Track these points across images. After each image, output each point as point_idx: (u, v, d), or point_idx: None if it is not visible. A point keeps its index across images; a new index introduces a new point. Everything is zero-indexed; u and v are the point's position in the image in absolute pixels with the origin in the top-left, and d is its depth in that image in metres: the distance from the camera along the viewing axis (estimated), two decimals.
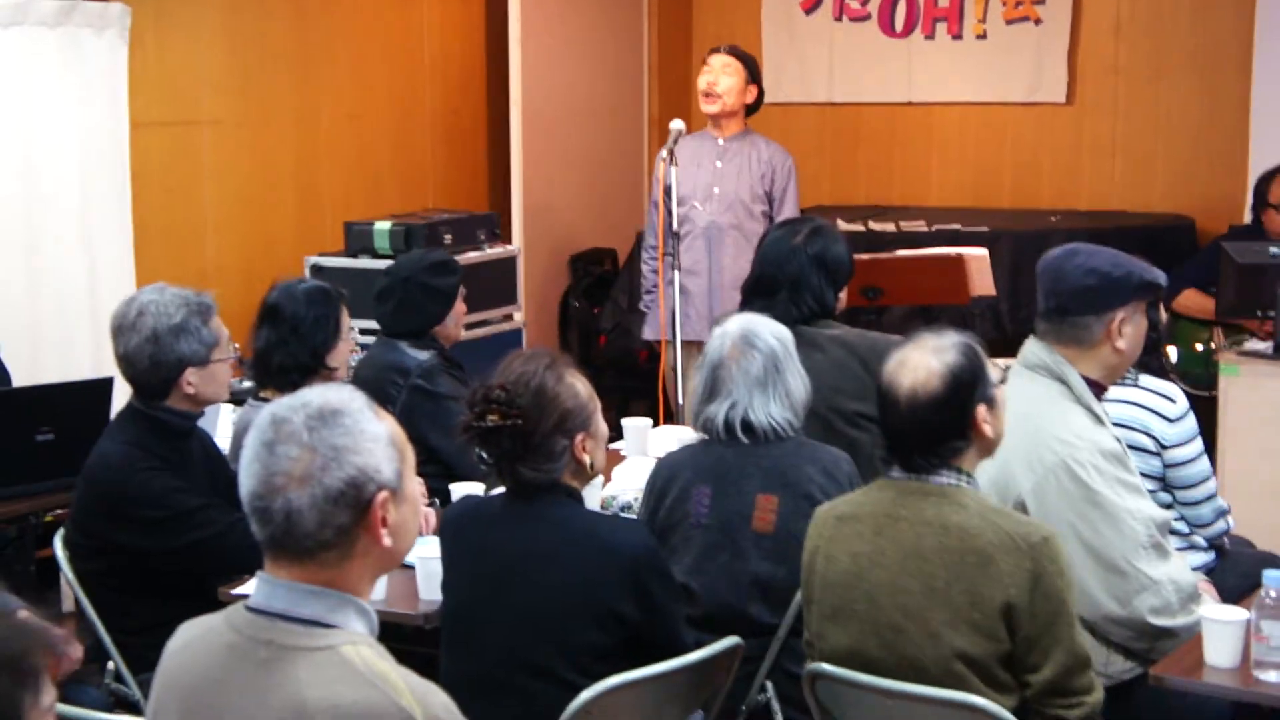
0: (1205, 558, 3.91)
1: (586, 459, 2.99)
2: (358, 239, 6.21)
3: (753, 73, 5.86)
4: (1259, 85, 6.78)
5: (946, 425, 2.81)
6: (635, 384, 6.70)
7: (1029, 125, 7.41)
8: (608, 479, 3.94)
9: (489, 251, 6.48)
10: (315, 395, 2.04)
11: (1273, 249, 5.55)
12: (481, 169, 7.44)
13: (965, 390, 2.81)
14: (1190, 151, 7.06)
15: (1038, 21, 7.30)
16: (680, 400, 5.33)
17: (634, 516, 3.68)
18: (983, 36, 7.43)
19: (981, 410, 2.83)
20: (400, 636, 3.09)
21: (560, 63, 7.22)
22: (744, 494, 3.31)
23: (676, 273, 5.27)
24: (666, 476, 3.46)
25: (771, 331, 3.44)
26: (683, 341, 5.40)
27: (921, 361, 2.81)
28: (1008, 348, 5.86)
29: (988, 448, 2.90)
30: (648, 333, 6.06)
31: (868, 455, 3.86)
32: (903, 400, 2.81)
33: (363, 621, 2.04)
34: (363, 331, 4.75)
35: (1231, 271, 5.55)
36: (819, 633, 2.95)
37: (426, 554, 3.24)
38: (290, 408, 2.02)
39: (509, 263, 6.59)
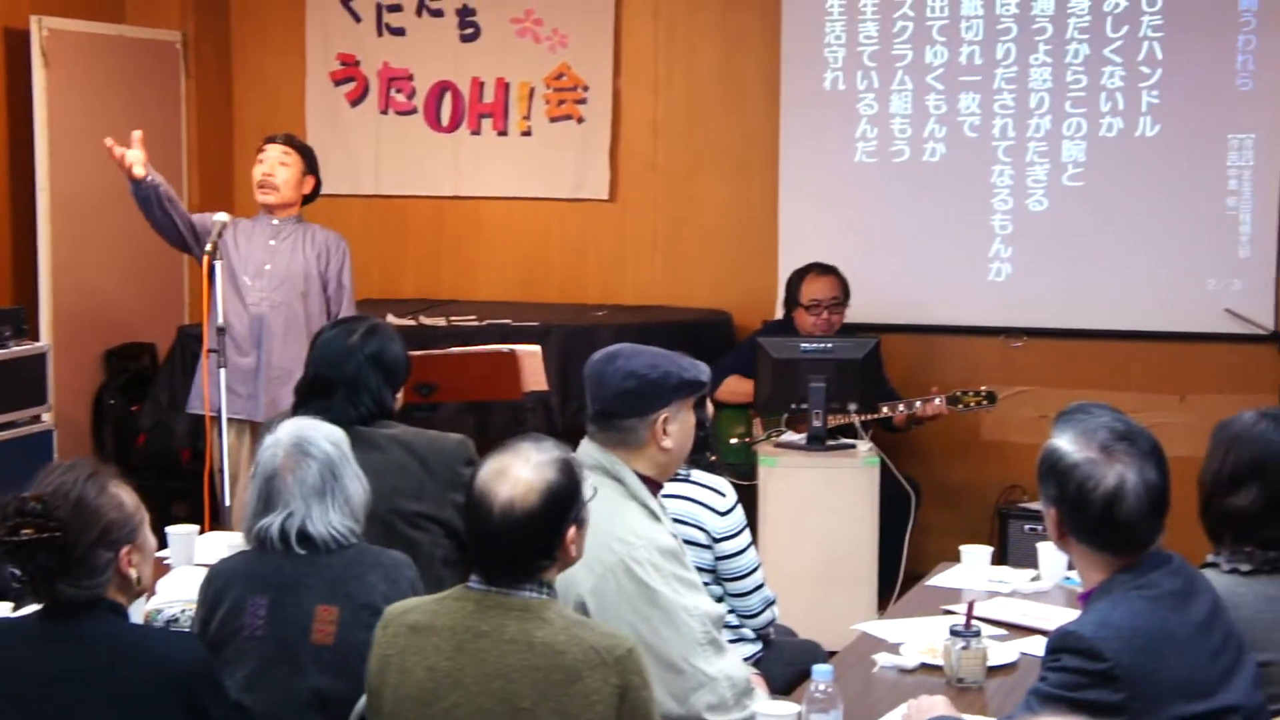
0: (753, 648, 4.04)
1: (133, 573, 2.86)
2: None
3: (310, 163, 5.78)
4: (785, 185, 7.16)
5: (537, 543, 2.76)
6: (178, 485, 6.42)
7: (575, 221, 7.57)
8: (152, 592, 3.73)
9: (15, 349, 6.08)
10: None
11: (804, 344, 5.84)
12: (4, 260, 6.99)
13: (561, 510, 2.77)
14: (726, 248, 7.37)
15: (580, 121, 7.50)
16: (227, 501, 5.14)
17: (182, 630, 3.51)
18: (528, 134, 7.57)
19: (572, 531, 2.80)
20: None
21: (92, 150, 6.86)
22: (302, 605, 3.18)
23: (223, 371, 5.09)
24: (220, 585, 3.30)
25: (326, 436, 3.33)
26: (231, 419, 5.29)
27: (521, 475, 2.74)
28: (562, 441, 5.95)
29: (568, 564, 2.88)
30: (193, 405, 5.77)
31: (428, 556, 3.81)
32: (497, 511, 2.73)
33: None
34: None
35: (768, 366, 5.81)
36: None
37: None
38: None
39: (38, 360, 6.20)
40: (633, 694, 2.71)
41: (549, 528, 2.76)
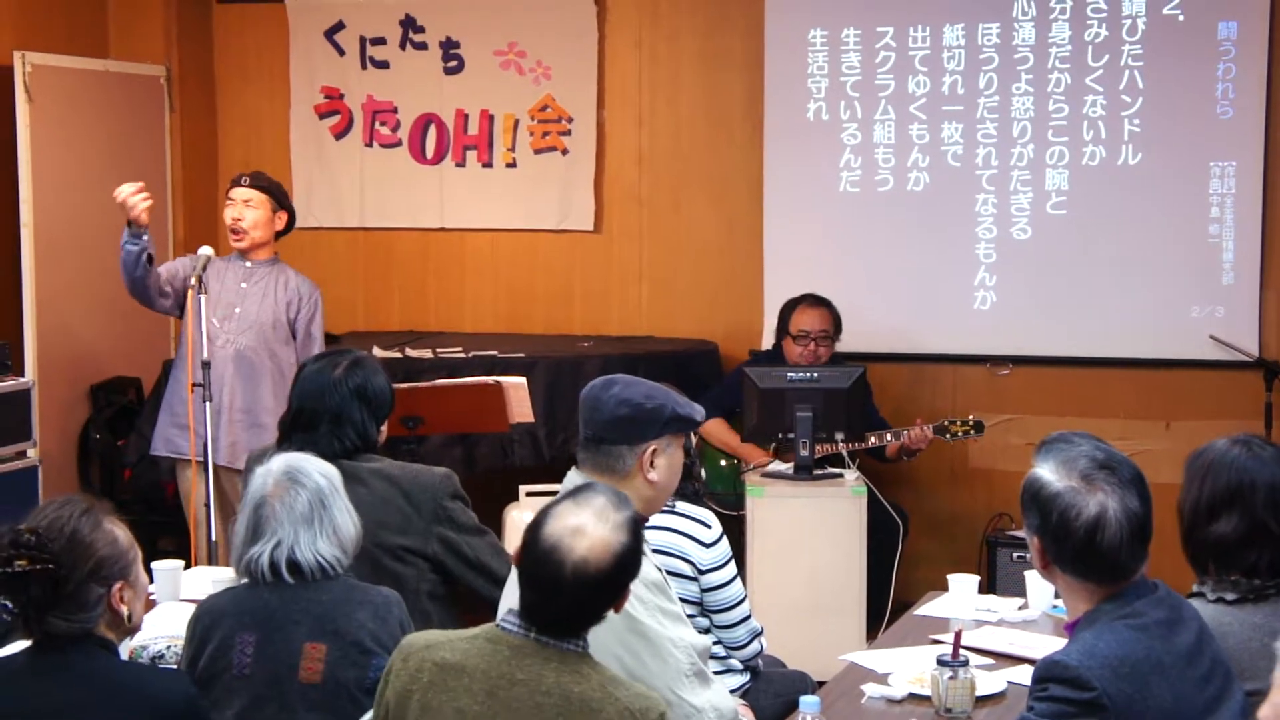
0: (741, 679, 4.03)
1: (124, 610, 2.88)
2: None
3: (279, 199, 5.70)
4: (770, 215, 7.18)
5: (602, 601, 2.74)
6: (164, 519, 6.41)
7: (560, 252, 7.58)
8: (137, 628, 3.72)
9: None
10: None
11: (791, 374, 5.85)
12: None
13: (629, 573, 2.76)
14: (711, 279, 7.38)
15: (565, 152, 7.51)
16: (213, 536, 5.12)
17: (169, 667, 3.50)
18: (513, 165, 7.59)
19: (629, 590, 2.79)
20: None
21: (75, 184, 6.90)
22: (291, 642, 3.17)
23: (208, 405, 5.08)
24: (207, 623, 3.29)
25: (317, 468, 3.33)
26: (191, 460, 5.27)
27: (599, 535, 2.71)
28: (547, 473, 5.95)
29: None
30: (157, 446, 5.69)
31: (413, 590, 3.81)
32: (570, 568, 2.68)
33: None
34: None
35: (754, 396, 5.82)
36: None
37: None
38: None
39: (22, 396, 6.18)
40: None
41: (616, 588, 2.75)
